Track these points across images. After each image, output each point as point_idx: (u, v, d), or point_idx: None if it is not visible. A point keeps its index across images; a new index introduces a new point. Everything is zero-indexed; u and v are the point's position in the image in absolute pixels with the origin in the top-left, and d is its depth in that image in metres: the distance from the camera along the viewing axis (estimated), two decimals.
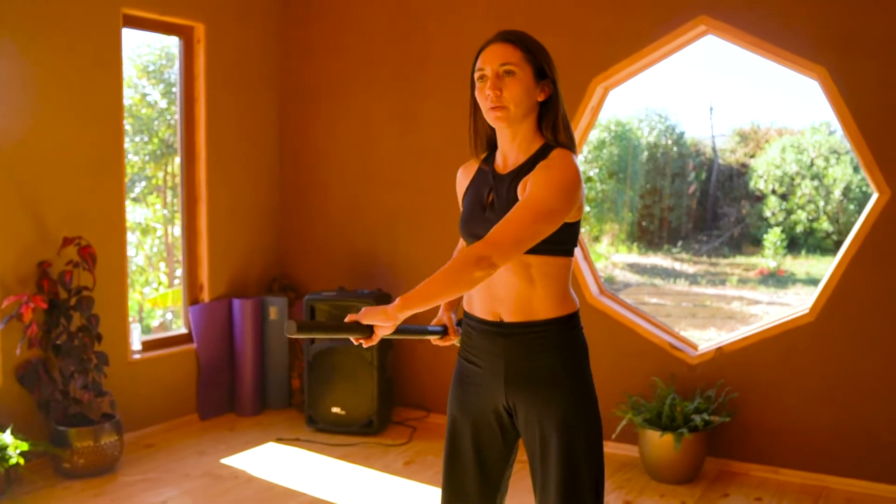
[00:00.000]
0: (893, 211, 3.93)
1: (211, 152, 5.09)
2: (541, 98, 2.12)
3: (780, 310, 11.37)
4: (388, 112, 5.20)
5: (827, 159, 15.70)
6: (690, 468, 4.11)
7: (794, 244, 15.81)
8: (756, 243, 16.32)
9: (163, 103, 7.90)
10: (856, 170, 15.44)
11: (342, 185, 5.39)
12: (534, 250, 2.06)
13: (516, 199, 2.09)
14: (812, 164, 15.93)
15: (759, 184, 16.44)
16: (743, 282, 13.97)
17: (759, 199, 16.63)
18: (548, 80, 2.13)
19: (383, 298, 4.87)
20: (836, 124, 18.29)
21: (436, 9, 5.01)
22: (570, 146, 2.17)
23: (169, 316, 7.10)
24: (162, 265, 8.07)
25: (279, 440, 4.76)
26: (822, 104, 18.91)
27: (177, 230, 8.07)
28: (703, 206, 17.45)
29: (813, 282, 13.82)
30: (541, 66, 2.12)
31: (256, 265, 5.46)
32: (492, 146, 2.25)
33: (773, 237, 15.14)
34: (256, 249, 5.46)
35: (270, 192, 5.55)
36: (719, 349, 4.34)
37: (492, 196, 2.17)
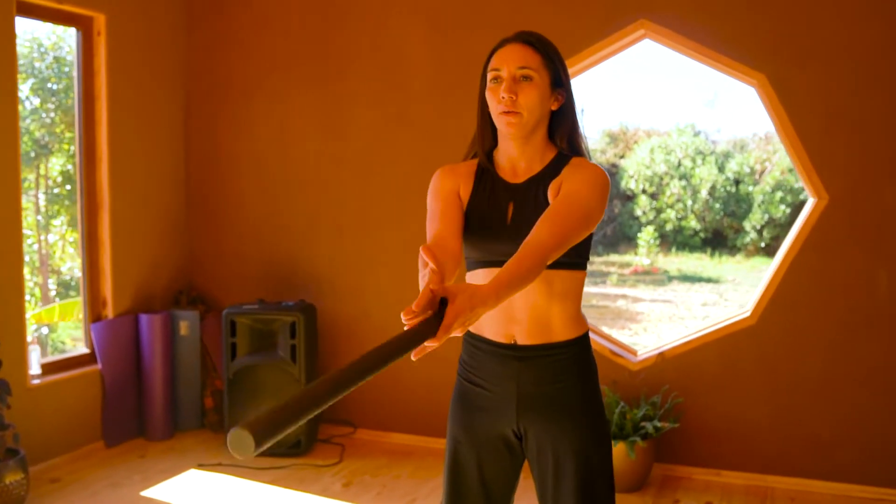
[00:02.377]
0: (829, 216, 4.01)
1: (114, 155, 4.67)
2: (554, 107, 2.01)
3: (663, 307, 11.70)
4: (308, 113, 4.92)
5: (693, 160, 16.34)
6: (640, 476, 4.06)
7: (665, 242, 16.37)
8: (629, 242, 16.80)
9: (35, 100, 7.27)
10: (720, 170, 16.16)
11: (258, 191, 5.07)
12: (558, 264, 1.95)
13: (546, 204, 1.97)
14: (680, 165, 16.54)
15: (630, 183, 16.93)
16: (622, 280, 14.33)
17: (631, 198, 17.13)
18: (562, 89, 2.01)
19: (309, 310, 4.60)
20: (701, 125, 19.10)
21: (358, 6, 4.77)
22: (588, 157, 2.07)
23: (45, 330, 6.53)
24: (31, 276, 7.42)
25: (200, 466, 4.41)
26: (688, 107, 19.72)
27: (52, 238, 7.48)
28: None
29: (686, 278, 14.35)
30: (558, 73, 2.00)
31: (162, 277, 5.06)
32: (487, 150, 2.09)
33: (646, 236, 15.62)
34: (162, 260, 5.06)
35: (176, 197, 5.16)
36: (661, 355, 4.32)
37: (512, 207, 2.00)
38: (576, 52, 4.31)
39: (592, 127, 18.42)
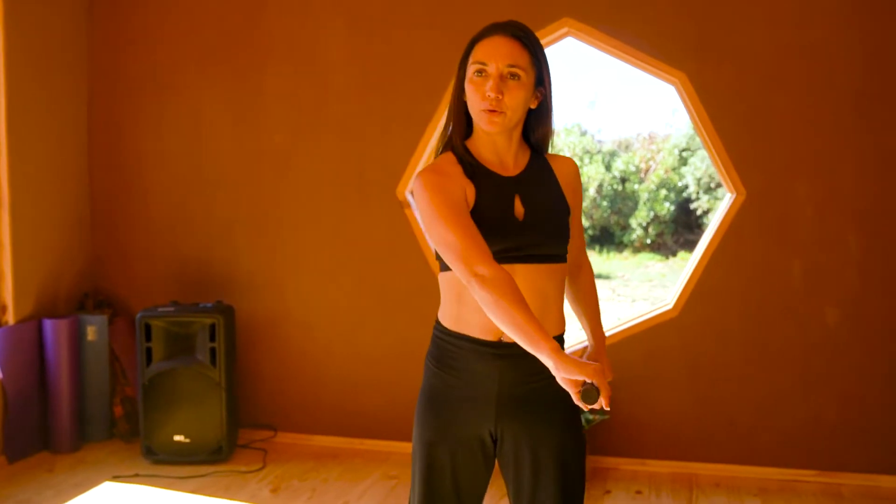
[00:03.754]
0: (747, 211, 4.15)
1: (13, 152, 4.38)
2: (533, 105, 1.94)
3: None
4: (221, 109, 4.75)
5: (581, 159, 16.72)
6: None
7: None
8: None
9: None
10: (607, 168, 16.60)
11: (169, 189, 4.86)
12: (560, 258, 1.95)
13: (564, 204, 1.99)
14: None
15: None
16: None
17: None
18: (542, 87, 1.94)
19: (227, 311, 4.44)
20: (587, 125, 19.56)
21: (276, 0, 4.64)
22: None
23: None
24: None
25: (116, 478, 4.19)
26: (573, 107, 20.17)
27: None
28: None
29: None
30: (542, 72, 1.93)
31: (66, 279, 4.78)
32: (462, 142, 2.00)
33: None
34: (66, 261, 4.78)
35: (80, 195, 4.89)
36: (586, 348, 4.37)
37: (519, 201, 1.92)
38: None
39: None
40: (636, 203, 16.16)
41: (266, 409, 4.82)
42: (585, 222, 16.62)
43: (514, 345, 1.84)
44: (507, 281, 1.69)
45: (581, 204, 2.07)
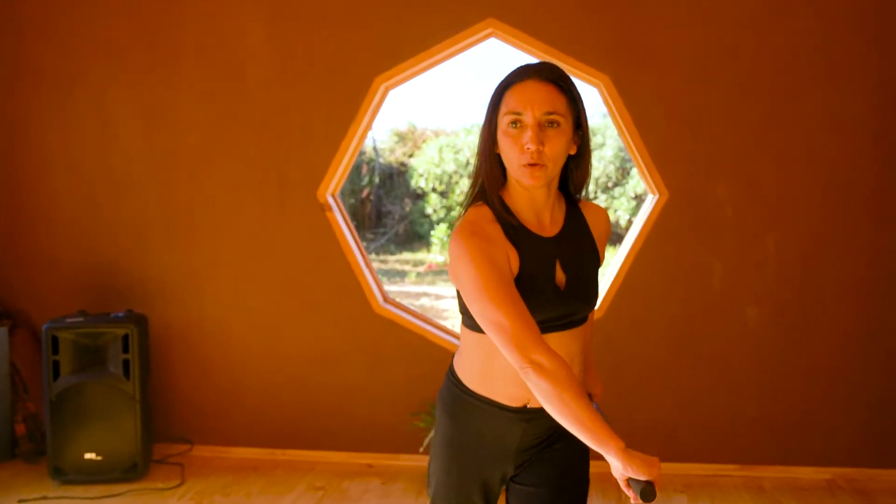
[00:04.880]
0: (669, 211, 4.22)
1: None
2: (572, 151, 1.80)
3: None
4: (131, 106, 4.51)
5: None
6: None
7: None
8: (420, 240, 17.02)
9: None
10: None
11: (74, 191, 4.58)
12: (588, 319, 1.98)
13: (597, 255, 1.92)
14: (468, 164, 16.97)
15: (419, 182, 17.16)
16: (420, 277, 14.48)
17: (421, 196, 17.37)
18: (580, 131, 1.81)
19: (141, 321, 4.22)
20: None
21: None
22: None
23: None
24: None
25: (21, 502, 3.92)
26: (474, 108, 20.28)
27: None
28: (367, 204, 17.80)
29: None
30: (580, 114, 1.79)
31: None
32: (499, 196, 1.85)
33: (439, 233, 15.89)
34: None
35: None
36: None
37: (560, 267, 1.82)
38: (422, 49, 4.25)
39: (381, 126, 18.49)
40: None
41: (181, 422, 4.61)
42: None
43: (540, 408, 1.80)
44: (567, 372, 1.60)
45: (603, 254, 1.97)
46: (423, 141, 18.03)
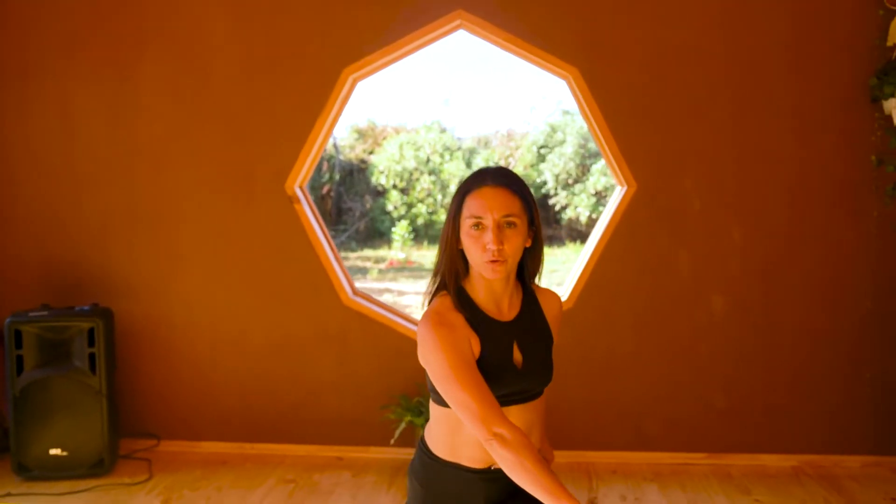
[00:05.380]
0: (636, 203, 4.26)
1: None
2: (528, 245, 2.01)
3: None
4: (95, 100, 4.44)
5: (442, 155, 16.84)
6: None
7: (417, 236, 16.74)
8: (381, 236, 16.98)
9: None
10: (468, 165, 16.79)
11: (36, 185, 4.50)
12: (543, 392, 2.07)
13: (551, 337, 2.08)
14: (429, 160, 16.98)
15: (380, 179, 17.12)
16: (382, 274, 14.44)
17: (382, 193, 17.33)
18: (533, 227, 2.02)
19: (105, 314, 4.15)
20: (447, 123, 19.72)
21: None
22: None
23: None
24: None
25: None
26: (434, 105, 20.29)
27: None
28: (328, 201, 17.72)
29: None
30: (532, 214, 2.00)
31: None
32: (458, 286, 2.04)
33: (401, 230, 15.87)
34: None
35: None
36: None
37: (517, 348, 2.00)
38: (391, 41, 4.25)
39: (341, 123, 18.41)
40: None
41: (148, 417, 4.55)
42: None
43: (501, 470, 1.95)
44: (526, 442, 1.78)
45: (557, 335, 2.13)
46: (384, 138, 17.99)
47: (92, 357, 4.07)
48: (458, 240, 1.96)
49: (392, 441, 4.23)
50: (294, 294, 4.43)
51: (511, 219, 1.90)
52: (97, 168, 4.46)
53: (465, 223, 1.92)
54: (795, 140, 4.20)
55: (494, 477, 2.00)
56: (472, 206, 1.92)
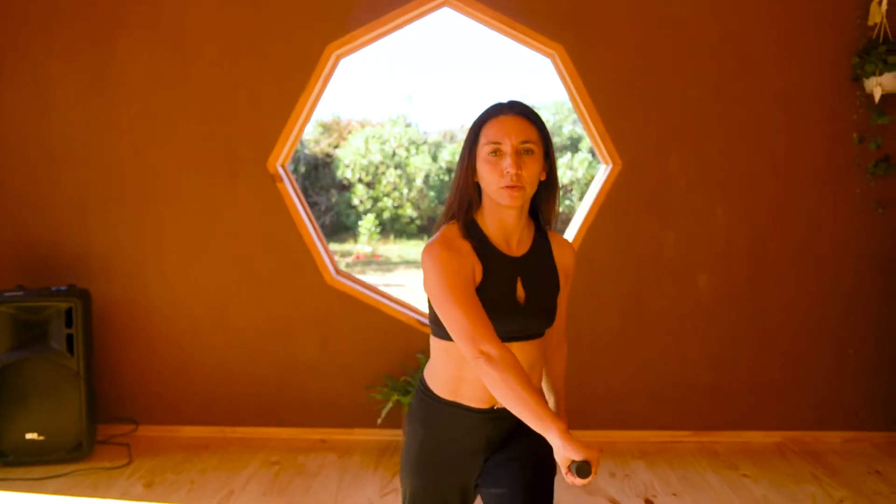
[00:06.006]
0: (622, 181, 4.26)
1: None
2: (542, 178, 1.99)
3: (398, 291, 11.87)
4: (72, 78, 4.32)
5: (408, 150, 16.78)
6: None
7: (383, 230, 16.67)
8: (347, 230, 16.87)
9: None
10: (434, 159, 16.75)
11: (11, 165, 4.36)
12: (544, 332, 2.04)
13: (557, 279, 2.03)
14: (394, 154, 16.91)
15: (345, 173, 17.02)
16: (350, 267, 14.35)
17: (347, 187, 17.23)
18: (548, 160, 2.00)
19: (83, 295, 4.04)
20: (412, 118, 19.65)
21: None
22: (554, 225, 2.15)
23: None
24: None
25: None
26: (396, 101, 20.19)
27: None
28: None
29: (406, 263, 14.69)
30: (548, 145, 1.99)
31: None
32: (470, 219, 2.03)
33: (367, 223, 15.78)
34: None
35: None
36: None
37: (520, 284, 1.97)
38: (374, 18, 4.19)
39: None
40: None
41: (126, 402, 4.44)
42: (413, 212, 16.70)
43: (505, 409, 1.95)
44: (513, 361, 1.77)
45: (570, 286, 2.11)
46: (349, 132, 17.89)
47: (70, 338, 3.96)
48: (473, 172, 1.95)
49: (379, 421, 4.18)
50: (277, 274, 4.36)
51: (529, 145, 1.89)
52: (75, 146, 4.35)
53: (483, 150, 1.91)
54: (779, 118, 4.22)
55: (496, 416, 1.99)
56: (489, 132, 1.91)
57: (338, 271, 4.49)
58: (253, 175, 4.30)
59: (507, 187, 1.87)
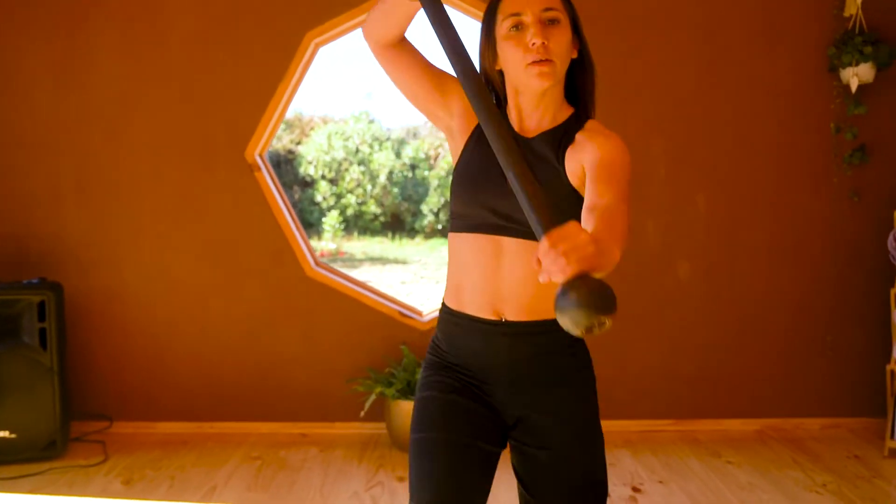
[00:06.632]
0: None
1: None
2: (574, 55, 1.76)
3: None
4: (42, 63, 4.20)
5: (371, 146, 16.70)
6: None
7: (347, 226, 16.57)
8: (310, 227, 16.74)
9: None
10: (397, 156, 16.69)
11: None
12: (528, 232, 1.67)
13: (560, 175, 1.66)
14: (358, 151, 16.82)
15: (308, 169, 16.88)
16: None
17: (310, 184, 17.09)
18: (578, 36, 1.76)
19: (56, 288, 3.93)
20: (375, 114, 19.56)
21: None
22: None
23: None
24: None
25: None
26: (357, 98, 20.07)
27: None
28: None
29: (375, 260, 14.63)
30: (576, 16, 1.75)
31: None
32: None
33: (331, 220, 15.67)
34: None
35: None
36: None
37: None
38: (353, 6, 4.14)
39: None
40: (427, 189, 16.38)
41: (99, 398, 4.33)
42: (377, 209, 16.62)
43: (523, 323, 1.70)
44: None
45: (613, 179, 1.56)
46: (311, 128, 17.75)
47: (43, 332, 3.85)
48: (494, 59, 1.73)
49: (362, 414, 4.12)
50: (255, 265, 4.28)
51: (553, 14, 1.67)
52: (45, 134, 4.23)
53: (502, 28, 1.69)
54: (757, 108, 4.26)
55: (513, 331, 1.71)
56: (507, 6, 1.68)
57: (317, 263, 4.43)
58: (231, 165, 4.23)
59: (535, 63, 1.63)
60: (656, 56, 4.21)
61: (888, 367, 3.99)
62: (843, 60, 4.10)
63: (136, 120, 4.22)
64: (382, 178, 16.44)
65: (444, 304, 1.82)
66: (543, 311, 1.70)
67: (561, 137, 1.71)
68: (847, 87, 4.17)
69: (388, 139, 16.97)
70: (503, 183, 1.58)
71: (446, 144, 14.91)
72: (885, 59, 4.05)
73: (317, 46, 4.29)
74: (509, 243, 1.68)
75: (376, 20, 1.70)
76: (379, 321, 4.30)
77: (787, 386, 4.38)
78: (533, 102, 1.72)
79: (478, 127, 1.75)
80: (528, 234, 1.64)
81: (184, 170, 4.24)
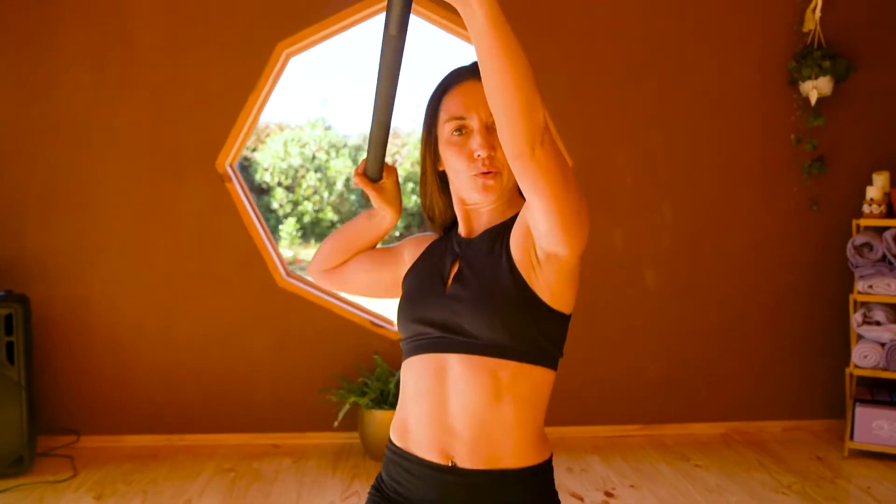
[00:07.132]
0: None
1: None
2: None
3: None
4: (6, 71, 4.13)
5: (328, 153, 16.63)
6: None
7: (304, 234, 16.48)
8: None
9: None
10: (355, 162, 16.65)
11: None
12: (507, 352, 1.42)
13: (501, 264, 1.42)
14: (314, 158, 16.75)
15: (264, 177, 16.76)
16: None
17: (266, 191, 16.96)
18: None
19: (22, 300, 3.88)
20: (332, 120, 19.48)
21: None
22: None
23: None
24: None
25: None
26: (312, 104, 19.96)
27: None
28: None
29: None
30: None
31: None
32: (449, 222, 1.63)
33: (289, 228, 15.58)
34: None
35: None
36: None
37: (458, 265, 1.50)
38: (327, 15, 4.16)
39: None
40: None
41: (66, 412, 4.27)
42: (334, 216, 16.55)
43: (478, 472, 1.41)
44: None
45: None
46: (267, 135, 17.63)
47: (10, 346, 3.80)
48: (437, 159, 1.52)
49: (336, 423, 4.12)
50: (226, 276, 4.26)
51: None
52: (10, 143, 4.16)
53: (444, 129, 1.47)
54: (721, 119, 4.36)
55: (470, 483, 1.42)
56: (451, 106, 1.47)
57: (288, 273, 4.43)
58: (200, 175, 4.21)
59: (480, 175, 1.44)
60: (619, 69, 4.29)
61: (847, 370, 4.12)
62: (802, 74, 4.22)
63: (103, 129, 4.18)
64: (339, 185, 16.38)
65: (389, 439, 1.56)
66: (504, 456, 1.42)
67: (507, 227, 1.49)
68: (806, 99, 4.29)
69: (344, 146, 16.93)
70: (439, 291, 1.48)
71: (403, 150, 14.80)
72: (843, 73, 4.18)
73: (288, 56, 4.29)
74: (453, 361, 1.43)
75: (331, 252, 1.65)
76: (351, 331, 4.31)
77: (751, 389, 4.49)
78: (478, 208, 1.53)
79: (426, 248, 1.62)
80: (472, 348, 1.42)
81: (152, 180, 4.21)
